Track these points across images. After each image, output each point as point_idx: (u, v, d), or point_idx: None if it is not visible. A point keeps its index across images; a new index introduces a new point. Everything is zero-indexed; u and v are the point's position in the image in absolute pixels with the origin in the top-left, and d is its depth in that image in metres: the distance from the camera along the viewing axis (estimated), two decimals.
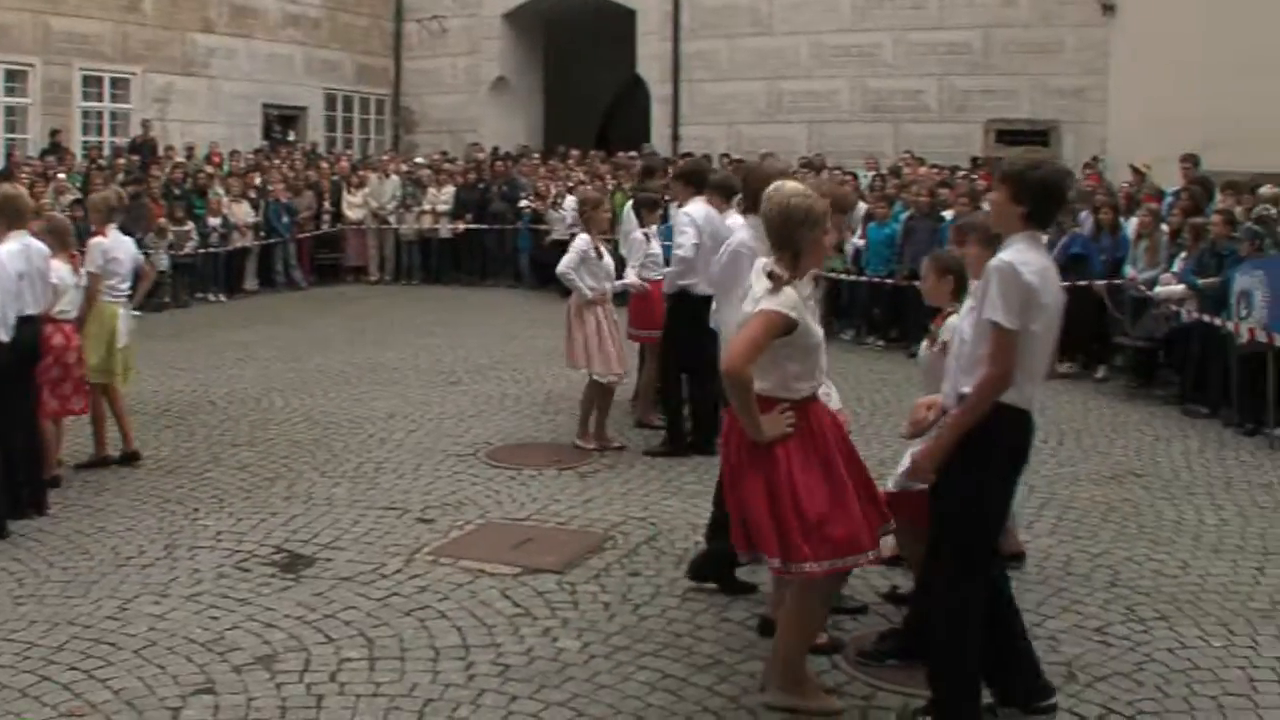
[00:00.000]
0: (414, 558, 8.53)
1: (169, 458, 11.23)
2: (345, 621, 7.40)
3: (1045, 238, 6.04)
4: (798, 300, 6.01)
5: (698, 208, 11.14)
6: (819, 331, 6.20)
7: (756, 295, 6.03)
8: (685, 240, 11.01)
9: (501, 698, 6.40)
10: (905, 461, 7.09)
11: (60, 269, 10.07)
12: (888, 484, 7.25)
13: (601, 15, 32.58)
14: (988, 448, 5.79)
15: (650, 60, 31.79)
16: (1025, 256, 5.73)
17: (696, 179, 11.63)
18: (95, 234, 11.01)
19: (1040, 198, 5.84)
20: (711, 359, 9.98)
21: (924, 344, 7.55)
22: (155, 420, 12.35)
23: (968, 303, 6.65)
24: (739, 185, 10.30)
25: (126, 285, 11.13)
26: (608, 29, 32.69)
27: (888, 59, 28.66)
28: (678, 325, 11.29)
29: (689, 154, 27.22)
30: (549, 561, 8.43)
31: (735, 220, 10.31)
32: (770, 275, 6.03)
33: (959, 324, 6.35)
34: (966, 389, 5.80)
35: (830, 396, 6.88)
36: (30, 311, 9.31)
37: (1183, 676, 6.78)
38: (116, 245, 11.05)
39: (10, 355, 9.11)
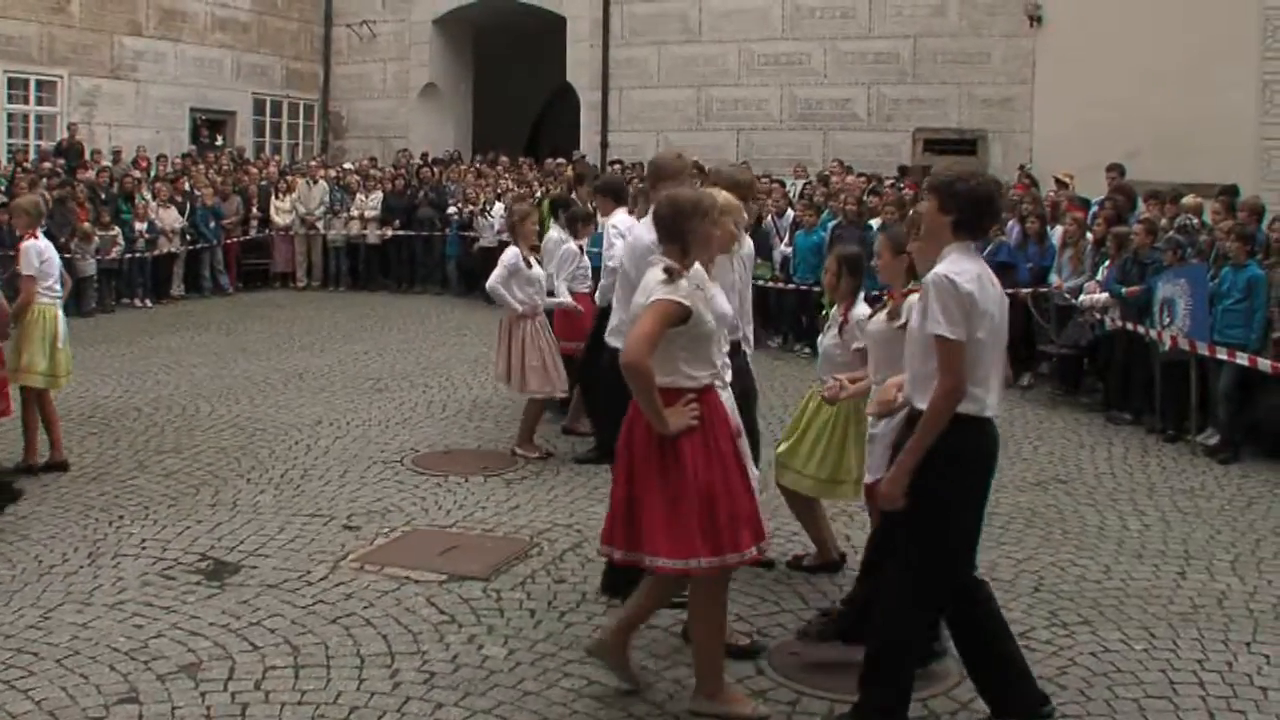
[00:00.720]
0: (339, 565, 8.52)
1: (93, 464, 11.16)
2: (270, 629, 7.38)
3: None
4: (690, 290, 6.10)
5: (622, 218, 11.24)
6: (711, 320, 6.25)
7: (649, 287, 6.11)
8: (616, 252, 11.02)
9: (427, 705, 6.40)
10: (877, 449, 7.17)
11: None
12: (868, 476, 7.36)
13: (532, 22, 32.54)
14: (951, 462, 5.81)
15: (580, 67, 31.77)
16: (959, 266, 5.79)
17: (614, 191, 11.86)
18: (25, 237, 10.92)
19: (968, 208, 5.90)
20: None
21: (880, 315, 7.53)
22: (80, 426, 12.26)
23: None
24: (622, 186, 10.60)
25: (60, 287, 11.09)
26: (538, 36, 32.68)
27: (817, 68, 28.74)
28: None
29: (618, 161, 27.32)
30: (474, 568, 8.44)
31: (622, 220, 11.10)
32: (666, 270, 6.10)
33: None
34: (921, 405, 5.83)
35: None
36: None
37: (1105, 680, 6.87)
38: (48, 247, 11.01)
39: None
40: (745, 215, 8.18)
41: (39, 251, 10.81)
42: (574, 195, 16.22)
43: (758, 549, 6.30)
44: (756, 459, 8.25)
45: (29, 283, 10.65)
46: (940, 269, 5.80)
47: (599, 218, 12.65)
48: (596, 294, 11.72)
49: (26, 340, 10.60)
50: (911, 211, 10.47)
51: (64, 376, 11.06)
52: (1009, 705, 6.22)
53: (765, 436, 11.63)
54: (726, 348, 6.89)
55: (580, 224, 13.09)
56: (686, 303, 6.03)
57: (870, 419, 7.38)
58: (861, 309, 8.02)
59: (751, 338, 8.59)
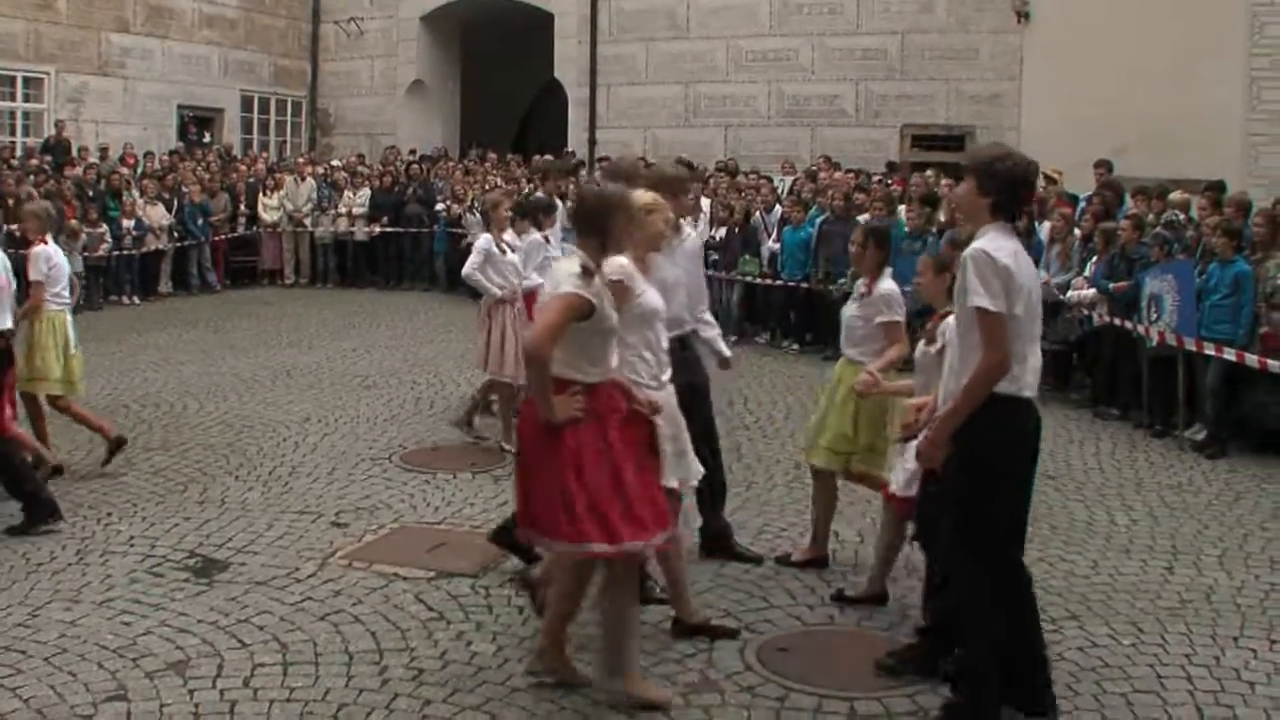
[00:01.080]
0: (328, 562, 8.52)
1: (82, 462, 11.15)
2: (259, 626, 7.38)
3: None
4: (600, 287, 6.19)
5: None
6: (614, 318, 6.31)
7: (559, 279, 6.22)
8: None
9: (415, 702, 6.40)
10: (907, 463, 7.20)
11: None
12: (892, 486, 7.40)
13: (519, 18, 32.47)
14: (993, 443, 5.88)
15: (567, 64, 31.73)
16: (997, 243, 5.85)
17: (626, 180, 11.72)
18: (35, 242, 10.84)
19: (1006, 188, 5.96)
20: None
21: (920, 344, 7.58)
22: (69, 424, 12.23)
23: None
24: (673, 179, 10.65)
25: (68, 293, 11.04)
26: (525, 32, 32.61)
27: (805, 64, 28.72)
28: None
29: (605, 158, 27.28)
30: (463, 565, 8.44)
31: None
32: (583, 265, 6.20)
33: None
34: (965, 380, 5.87)
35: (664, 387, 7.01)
36: (9, 325, 9.31)
37: (1092, 674, 6.89)
38: (57, 252, 10.97)
39: (6, 367, 9.24)
40: (680, 210, 8.25)
41: (48, 257, 10.75)
42: (539, 192, 16.21)
43: (658, 540, 6.37)
44: (714, 452, 8.57)
45: (38, 289, 10.60)
46: (977, 244, 5.86)
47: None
48: None
49: (38, 348, 10.56)
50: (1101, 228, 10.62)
51: (78, 382, 11.06)
52: (1014, 694, 6.22)
53: (745, 430, 11.72)
54: (666, 343, 7.03)
55: (543, 214, 13.08)
56: (593, 299, 6.12)
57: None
58: (888, 284, 8.04)
59: (712, 331, 8.73)
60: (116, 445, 10.89)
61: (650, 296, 6.81)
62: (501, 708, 6.36)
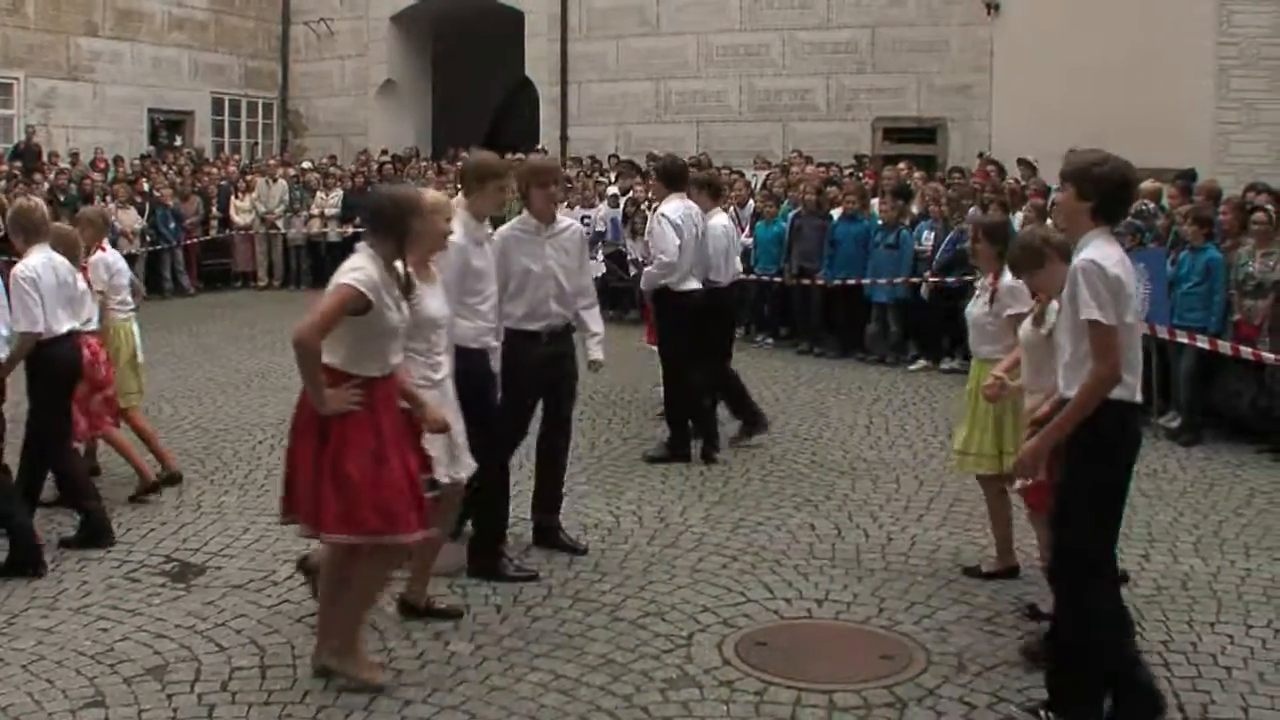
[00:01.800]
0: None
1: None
2: (236, 630, 7.37)
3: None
4: (378, 283, 6.26)
5: (675, 206, 11.46)
6: (395, 319, 6.40)
7: (343, 269, 6.33)
8: (668, 244, 11.22)
9: (395, 702, 6.39)
10: None
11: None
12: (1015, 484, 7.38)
13: (489, 17, 32.48)
14: (1105, 447, 5.91)
15: (538, 62, 31.75)
16: (1103, 251, 5.87)
17: (671, 176, 11.92)
18: (93, 249, 10.56)
19: (1106, 192, 5.99)
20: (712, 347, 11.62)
21: (1026, 324, 7.54)
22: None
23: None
24: (722, 183, 11.08)
25: (131, 298, 10.85)
26: (496, 31, 32.62)
27: (775, 59, 28.78)
28: (668, 322, 11.82)
29: (578, 158, 27.33)
30: (440, 565, 8.40)
31: (719, 219, 12.02)
32: (369, 259, 6.37)
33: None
34: (1070, 394, 5.91)
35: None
36: (68, 327, 8.92)
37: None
38: (117, 259, 10.80)
39: (60, 372, 8.88)
40: (547, 202, 8.58)
41: (108, 265, 10.51)
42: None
43: (416, 536, 6.48)
44: (565, 447, 9.05)
45: (102, 297, 10.36)
46: (1085, 254, 5.87)
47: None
48: (642, 282, 12.02)
49: (112, 363, 10.26)
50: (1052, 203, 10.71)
51: (139, 393, 10.85)
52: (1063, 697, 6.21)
53: (720, 424, 11.73)
54: (444, 342, 7.25)
55: None
56: (369, 294, 6.19)
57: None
58: (1008, 277, 8.02)
59: (595, 322, 9.01)
60: (169, 480, 10.52)
61: (427, 304, 6.92)
62: (480, 707, 6.36)
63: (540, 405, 8.86)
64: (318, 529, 6.36)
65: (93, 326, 9.94)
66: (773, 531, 9.28)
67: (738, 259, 13.05)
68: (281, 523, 6.89)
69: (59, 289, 8.82)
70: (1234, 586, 8.26)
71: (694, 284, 11.51)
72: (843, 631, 7.46)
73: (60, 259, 9.04)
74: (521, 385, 8.52)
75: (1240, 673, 6.87)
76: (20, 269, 8.71)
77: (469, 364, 7.79)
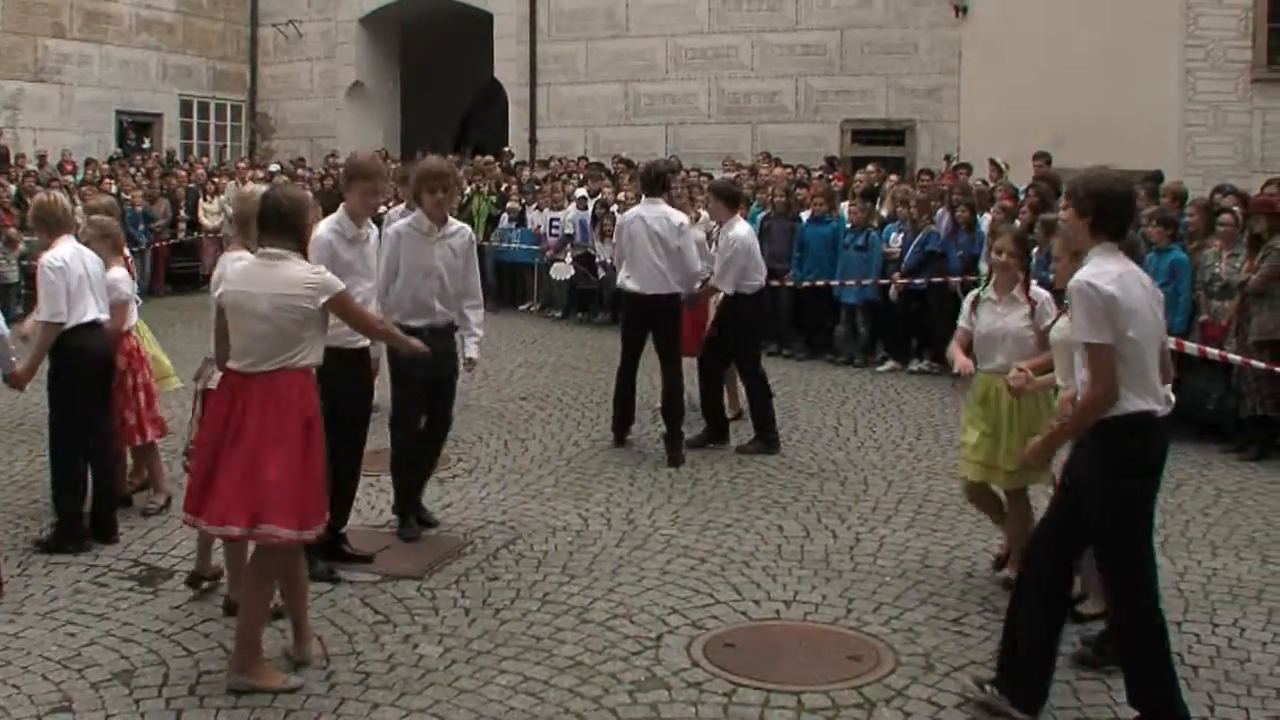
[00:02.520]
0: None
1: (23, 472, 11.05)
2: (204, 634, 7.35)
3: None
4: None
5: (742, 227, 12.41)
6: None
7: (328, 278, 6.84)
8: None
9: (363, 705, 6.39)
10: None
11: (123, 278, 9.75)
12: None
13: (458, 19, 32.45)
14: (1121, 458, 5.98)
15: (507, 64, 31.72)
16: (1102, 269, 5.92)
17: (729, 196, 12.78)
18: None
19: (1100, 207, 6.03)
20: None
21: (1063, 320, 7.49)
22: (10, 434, 12.15)
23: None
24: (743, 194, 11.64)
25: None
26: (464, 33, 32.58)
27: (744, 61, 28.80)
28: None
29: (549, 159, 27.33)
30: (408, 568, 8.43)
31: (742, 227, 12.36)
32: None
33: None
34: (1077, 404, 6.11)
35: None
36: (94, 316, 8.87)
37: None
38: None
39: (85, 362, 8.83)
40: (438, 205, 8.93)
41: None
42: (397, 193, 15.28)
43: (312, 532, 6.71)
44: (439, 447, 9.45)
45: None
46: (1081, 274, 5.95)
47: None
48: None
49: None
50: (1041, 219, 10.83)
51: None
52: (1004, 682, 6.37)
53: (688, 427, 11.76)
54: None
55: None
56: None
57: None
58: (1038, 288, 8.04)
59: (477, 322, 9.19)
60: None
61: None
62: (449, 710, 6.36)
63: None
64: (257, 524, 6.51)
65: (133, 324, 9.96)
66: (741, 533, 9.30)
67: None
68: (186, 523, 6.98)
69: (88, 279, 8.82)
70: (1200, 586, 8.31)
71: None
72: (811, 632, 7.48)
73: (89, 253, 9.03)
74: (406, 376, 8.87)
75: (1207, 671, 6.93)
76: (47, 258, 8.77)
77: (448, 368, 8.10)
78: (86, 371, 8.90)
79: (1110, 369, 5.84)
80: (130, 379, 9.68)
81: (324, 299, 6.63)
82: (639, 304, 11.80)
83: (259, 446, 6.46)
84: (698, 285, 12.11)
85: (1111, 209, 6.04)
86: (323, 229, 8.03)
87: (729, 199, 12.51)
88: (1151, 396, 5.97)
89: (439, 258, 8.84)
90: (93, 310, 8.85)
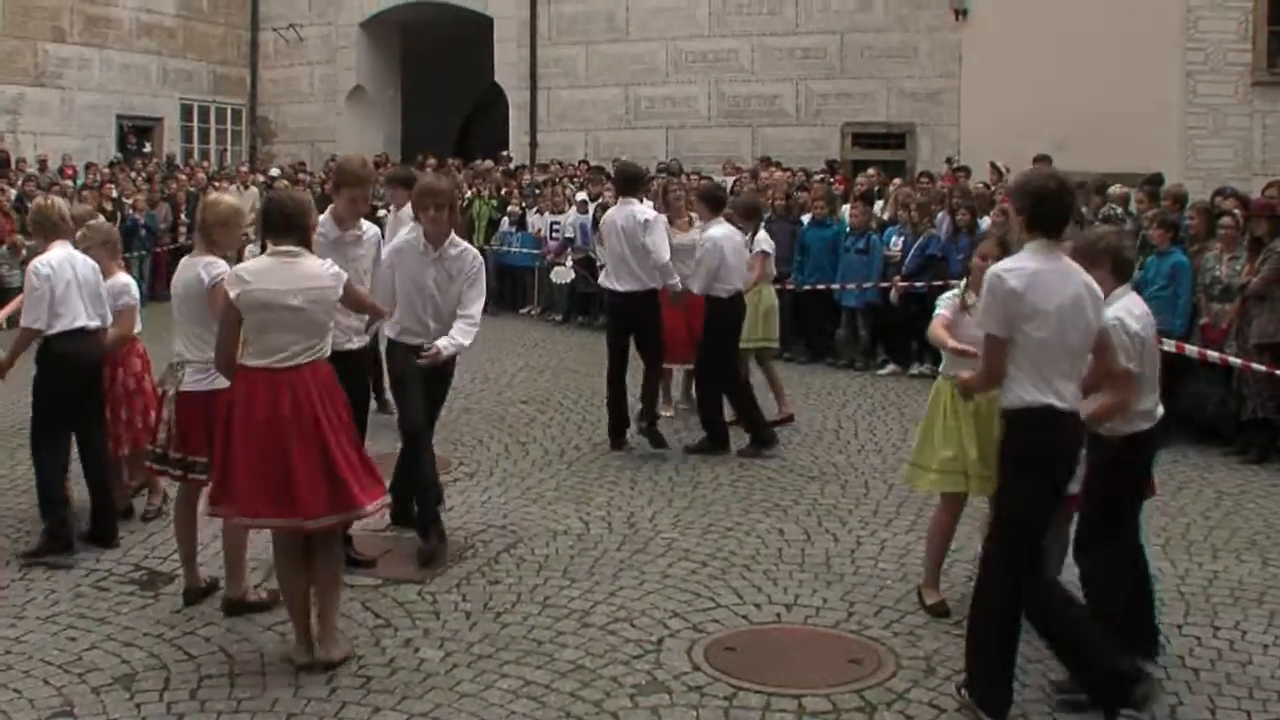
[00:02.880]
0: (274, 572, 8.47)
1: (24, 476, 11.01)
2: (205, 638, 7.35)
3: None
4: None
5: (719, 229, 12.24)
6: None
7: (340, 274, 7.14)
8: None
9: (364, 710, 6.39)
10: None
11: (129, 284, 9.75)
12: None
13: (459, 23, 32.44)
14: (1016, 448, 6.20)
15: (507, 68, 31.72)
16: (1018, 264, 6.11)
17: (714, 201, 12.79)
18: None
19: (1030, 204, 6.19)
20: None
21: None
22: (9, 439, 12.13)
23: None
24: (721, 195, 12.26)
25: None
26: (465, 37, 32.57)
27: (745, 64, 28.80)
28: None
29: (550, 163, 27.31)
30: (409, 572, 8.43)
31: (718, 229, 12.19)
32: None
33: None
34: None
35: None
36: (83, 323, 8.78)
37: (1039, 666, 6.89)
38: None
39: (69, 369, 8.79)
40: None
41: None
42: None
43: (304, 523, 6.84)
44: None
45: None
46: (997, 265, 6.18)
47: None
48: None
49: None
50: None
51: None
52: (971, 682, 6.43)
53: (691, 432, 11.76)
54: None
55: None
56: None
57: None
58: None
59: (460, 330, 8.82)
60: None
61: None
62: (450, 714, 6.36)
63: None
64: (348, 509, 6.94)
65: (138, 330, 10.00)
66: (742, 537, 9.29)
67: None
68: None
69: (78, 285, 8.74)
70: (1201, 589, 8.31)
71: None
72: (812, 636, 7.48)
73: (82, 257, 8.98)
74: (408, 388, 8.84)
75: (1208, 674, 6.92)
76: (35, 263, 8.75)
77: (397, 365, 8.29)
78: (69, 379, 8.85)
79: (997, 358, 6.10)
80: (139, 383, 9.68)
81: (341, 288, 7.00)
82: (617, 301, 12.04)
83: (333, 434, 6.80)
84: (675, 280, 12.10)
85: (1042, 206, 6.18)
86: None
87: (711, 202, 12.52)
88: (1054, 394, 6.06)
89: (431, 277, 8.67)
90: (82, 317, 8.79)
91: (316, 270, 6.92)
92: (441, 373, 8.91)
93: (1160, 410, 6.85)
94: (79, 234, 9.38)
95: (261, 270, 6.88)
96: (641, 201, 12.50)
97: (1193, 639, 7.41)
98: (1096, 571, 6.88)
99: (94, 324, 8.95)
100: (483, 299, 8.92)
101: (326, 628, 7.01)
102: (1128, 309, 6.73)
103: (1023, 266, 6.05)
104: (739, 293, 12.16)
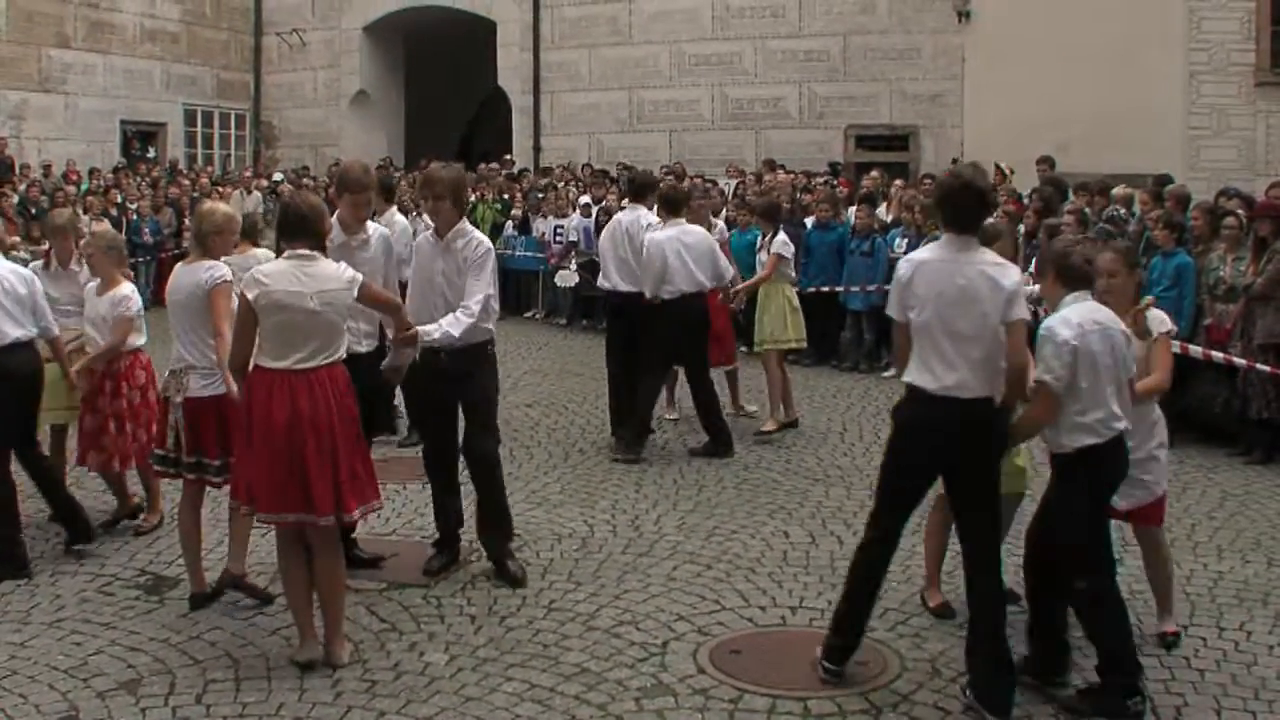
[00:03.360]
0: (278, 576, 8.46)
1: (27, 482, 10.98)
2: (210, 643, 7.36)
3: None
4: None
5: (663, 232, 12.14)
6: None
7: (356, 276, 7.22)
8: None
9: (369, 714, 6.40)
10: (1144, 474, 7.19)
11: (127, 294, 9.71)
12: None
13: (462, 27, 32.46)
14: (895, 417, 6.74)
15: (510, 72, 31.74)
16: (918, 254, 6.68)
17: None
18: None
19: (940, 201, 6.64)
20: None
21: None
22: None
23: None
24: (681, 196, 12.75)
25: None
26: (468, 41, 32.60)
27: (748, 67, 28.80)
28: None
29: (551, 167, 27.33)
30: (414, 575, 8.43)
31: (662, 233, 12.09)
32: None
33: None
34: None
35: None
36: (15, 337, 8.60)
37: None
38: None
39: (3, 386, 8.53)
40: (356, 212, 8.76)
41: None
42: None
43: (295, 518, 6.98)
44: (488, 465, 8.98)
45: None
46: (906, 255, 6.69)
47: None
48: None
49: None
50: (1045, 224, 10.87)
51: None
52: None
53: (697, 435, 11.76)
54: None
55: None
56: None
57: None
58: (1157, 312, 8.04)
59: (451, 321, 8.44)
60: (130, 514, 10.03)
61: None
62: (456, 717, 6.37)
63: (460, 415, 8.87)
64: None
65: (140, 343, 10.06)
66: (747, 539, 9.30)
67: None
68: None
69: (3, 297, 8.59)
70: (1207, 589, 8.31)
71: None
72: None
73: (10, 266, 8.93)
74: (422, 395, 8.92)
75: (1213, 675, 6.92)
76: None
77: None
78: (6, 389, 8.60)
79: (901, 340, 6.61)
80: (144, 396, 9.67)
81: (357, 290, 7.07)
82: (616, 301, 12.30)
83: (344, 438, 6.93)
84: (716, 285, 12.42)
85: (947, 202, 6.53)
86: None
87: (668, 204, 12.40)
88: (930, 375, 6.38)
89: (440, 269, 8.39)
90: (14, 331, 8.63)
91: (333, 273, 7.00)
92: (462, 382, 8.51)
93: (1121, 425, 6.53)
94: (83, 241, 9.35)
95: (279, 273, 6.94)
96: (650, 209, 12.56)
97: (1198, 640, 7.41)
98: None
99: (26, 336, 8.76)
100: (485, 290, 8.31)
101: (332, 630, 7.02)
102: (1064, 318, 6.50)
103: (916, 257, 6.58)
104: (685, 294, 11.95)
